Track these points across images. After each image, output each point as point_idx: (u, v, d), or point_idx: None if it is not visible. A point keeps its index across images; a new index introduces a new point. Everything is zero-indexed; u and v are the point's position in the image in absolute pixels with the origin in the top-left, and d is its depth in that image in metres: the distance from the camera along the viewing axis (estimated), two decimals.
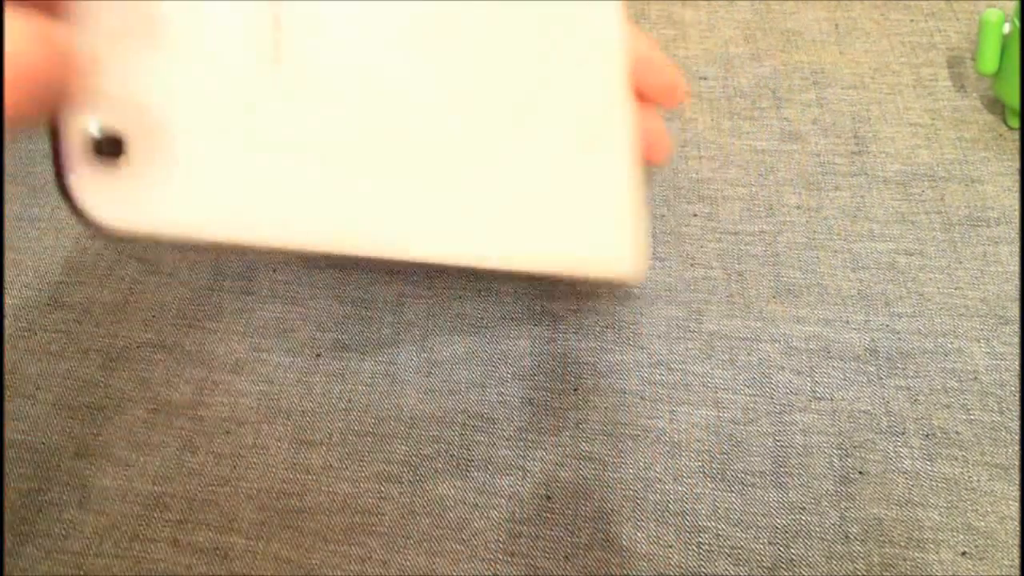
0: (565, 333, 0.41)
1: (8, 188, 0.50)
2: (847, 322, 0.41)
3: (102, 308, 0.45)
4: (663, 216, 0.45)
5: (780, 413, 0.38)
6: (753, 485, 0.36)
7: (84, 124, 0.21)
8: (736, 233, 0.44)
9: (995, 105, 0.48)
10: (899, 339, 0.40)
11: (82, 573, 0.36)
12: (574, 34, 0.25)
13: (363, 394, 0.40)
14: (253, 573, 0.35)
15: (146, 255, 0.46)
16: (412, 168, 0.24)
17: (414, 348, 0.41)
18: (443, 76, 0.24)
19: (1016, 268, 0.42)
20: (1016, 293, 0.41)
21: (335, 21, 0.23)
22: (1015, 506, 0.35)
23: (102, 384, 0.42)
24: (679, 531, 0.35)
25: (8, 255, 0.47)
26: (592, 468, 0.37)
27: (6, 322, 0.44)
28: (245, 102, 0.21)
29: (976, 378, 0.38)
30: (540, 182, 0.25)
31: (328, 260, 0.45)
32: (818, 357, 0.40)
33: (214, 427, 0.40)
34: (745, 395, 0.39)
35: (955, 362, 0.39)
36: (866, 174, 0.46)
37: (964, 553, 0.34)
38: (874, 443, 0.37)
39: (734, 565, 0.34)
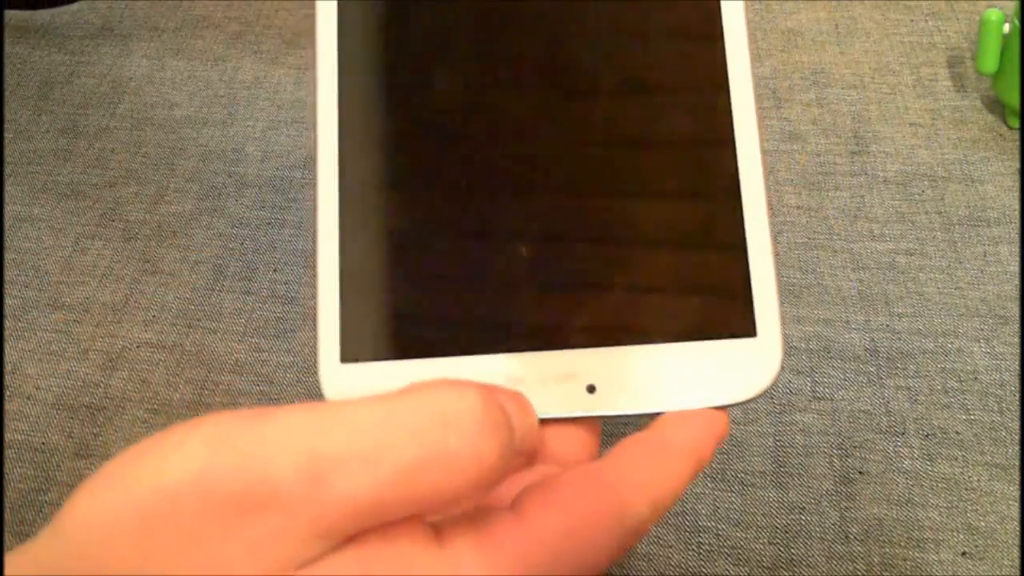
0: None
1: (8, 188, 0.50)
2: (847, 322, 0.41)
3: (102, 308, 0.45)
4: None
5: (780, 413, 0.38)
6: (753, 485, 0.36)
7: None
8: None
9: (995, 105, 0.48)
10: (899, 339, 0.40)
11: None
12: None
13: None
14: None
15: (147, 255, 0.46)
16: None
17: None
18: None
19: (1016, 268, 0.42)
20: (1016, 293, 0.41)
21: None
22: (1015, 506, 0.35)
23: (102, 384, 0.42)
24: (679, 531, 0.35)
25: (8, 255, 0.47)
26: None
27: (6, 322, 0.44)
28: None
29: (976, 378, 0.38)
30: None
31: None
32: (818, 357, 0.40)
33: None
34: None
35: (955, 362, 0.39)
36: (866, 174, 0.46)
37: (964, 553, 0.34)
38: (874, 443, 0.37)
39: (734, 565, 0.34)
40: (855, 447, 0.37)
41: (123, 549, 0.16)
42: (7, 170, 0.51)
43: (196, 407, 0.40)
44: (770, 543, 0.35)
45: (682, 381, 0.21)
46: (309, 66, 0.55)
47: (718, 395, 0.21)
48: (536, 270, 0.23)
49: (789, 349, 0.40)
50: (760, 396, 0.21)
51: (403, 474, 0.16)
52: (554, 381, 0.22)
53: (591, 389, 0.22)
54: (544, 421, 0.21)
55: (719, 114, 0.23)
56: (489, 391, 0.18)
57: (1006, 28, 0.44)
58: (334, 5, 0.26)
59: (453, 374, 0.22)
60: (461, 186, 0.25)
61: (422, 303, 0.23)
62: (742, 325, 0.22)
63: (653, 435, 0.21)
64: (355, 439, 0.16)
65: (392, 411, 0.17)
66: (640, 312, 0.22)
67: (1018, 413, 0.37)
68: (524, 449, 0.19)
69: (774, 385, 0.22)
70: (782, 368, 0.21)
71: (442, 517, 0.18)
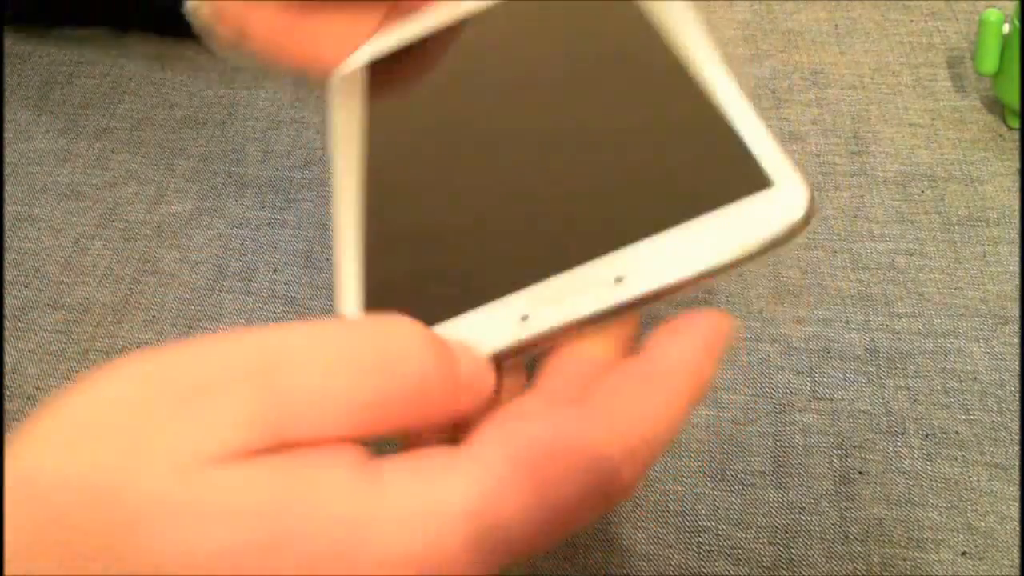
0: None
1: (8, 188, 0.50)
2: (847, 322, 0.41)
3: (102, 308, 0.45)
4: None
5: (780, 413, 0.38)
6: (753, 485, 0.36)
7: None
8: None
9: (995, 105, 0.48)
10: (899, 339, 0.40)
11: None
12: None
13: None
14: None
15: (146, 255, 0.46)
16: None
17: None
18: None
19: (1016, 268, 0.42)
20: (1016, 293, 0.41)
21: None
22: (1015, 506, 0.35)
23: None
24: (679, 531, 0.35)
25: (8, 255, 0.47)
26: None
27: (6, 322, 0.44)
28: None
29: (976, 378, 0.38)
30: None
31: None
32: (818, 357, 0.40)
33: None
34: (745, 395, 0.39)
35: (955, 362, 0.39)
36: (866, 174, 0.46)
37: (964, 553, 0.34)
38: (874, 443, 0.37)
39: (734, 565, 0.34)
40: (855, 447, 0.37)
41: (68, 450, 0.16)
42: (7, 170, 0.51)
43: None
44: (770, 543, 0.35)
45: (711, 242, 0.20)
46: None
47: (751, 238, 0.20)
48: (534, 201, 0.24)
49: (789, 349, 0.40)
50: (796, 231, 0.20)
51: (345, 371, 0.16)
52: (581, 291, 0.21)
53: (618, 280, 0.21)
54: (580, 325, 0.20)
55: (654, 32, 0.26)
56: (439, 335, 0.18)
57: (1006, 28, 0.44)
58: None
59: (478, 323, 0.21)
60: (459, 134, 0.26)
61: (435, 260, 0.23)
62: (754, 180, 0.21)
63: (639, 360, 0.19)
64: (302, 339, 0.17)
65: (339, 324, 0.17)
66: (648, 205, 0.22)
67: (1018, 413, 0.37)
68: (474, 386, 0.19)
69: (811, 221, 0.21)
70: (814, 203, 0.21)
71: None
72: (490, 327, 0.21)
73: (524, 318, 0.21)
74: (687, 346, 0.19)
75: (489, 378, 0.19)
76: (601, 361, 0.20)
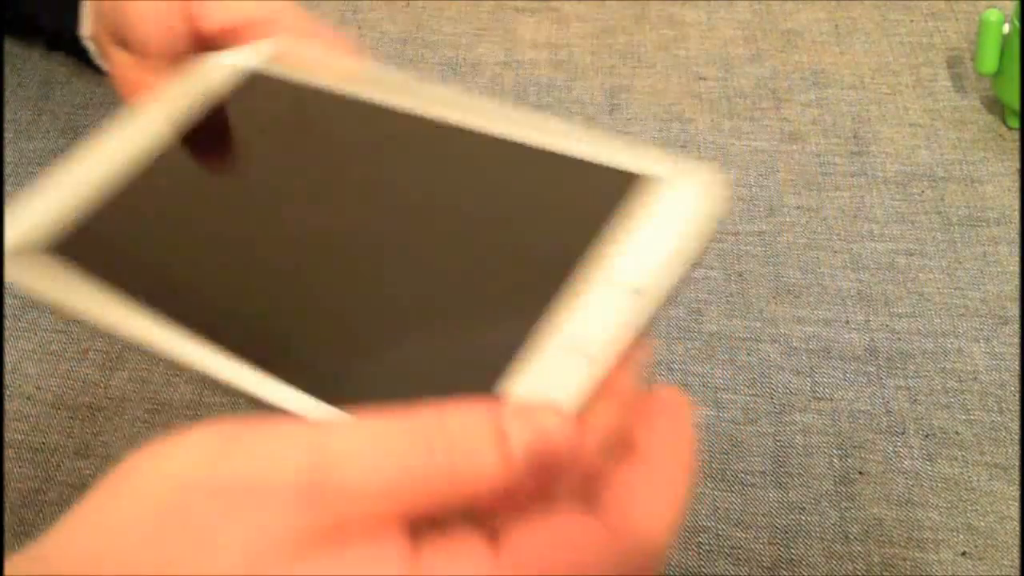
0: None
1: (8, 188, 0.50)
2: (847, 322, 0.41)
3: None
4: None
5: (780, 413, 0.38)
6: (753, 485, 0.36)
7: None
8: (736, 233, 0.44)
9: (995, 105, 0.48)
10: (899, 339, 0.40)
11: None
12: None
13: None
14: None
15: None
16: None
17: None
18: None
19: (1016, 268, 0.42)
20: (1016, 293, 0.41)
21: None
22: (1015, 506, 0.35)
23: (102, 384, 0.42)
24: (679, 531, 0.35)
25: None
26: None
27: (6, 322, 0.44)
28: None
29: (976, 378, 0.38)
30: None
31: None
32: (818, 357, 0.40)
33: None
34: (745, 395, 0.39)
35: (955, 362, 0.39)
36: (866, 174, 0.46)
37: (964, 553, 0.34)
38: (874, 443, 0.37)
39: (734, 565, 0.34)
40: (855, 447, 0.37)
41: (136, 541, 0.16)
42: (7, 170, 0.51)
43: (196, 407, 0.40)
44: (770, 543, 0.35)
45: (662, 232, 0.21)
46: None
47: (694, 208, 0.21)
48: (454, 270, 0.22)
49: (789, 349, 0.40)
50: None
51: (397, 475, 0.17)
52: (614, 305, 0.20)
53: (636, 291, 0.20)
54: (635, 342, 0.20)
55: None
56: (495, 409, 0.18)
57: (1006, 28, 0.44)
58: None
59: (538, 378, 0.20)
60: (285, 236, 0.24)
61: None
62: (629, 183, 0.22)
63: (637, 462, 0.20)
64: (353, 441, 0.17)
65: (393, 420, 0.18)
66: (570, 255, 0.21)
67: (1018, 413, 0.37)
68: (544, 461, 0.18)
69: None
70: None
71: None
72: (552, 379, 0.19)
73: (589, 358, 0.19)
74: (672, 439, 0.21)
75: (563, 443, 0.18)
76: (610, 431, 0.20)
